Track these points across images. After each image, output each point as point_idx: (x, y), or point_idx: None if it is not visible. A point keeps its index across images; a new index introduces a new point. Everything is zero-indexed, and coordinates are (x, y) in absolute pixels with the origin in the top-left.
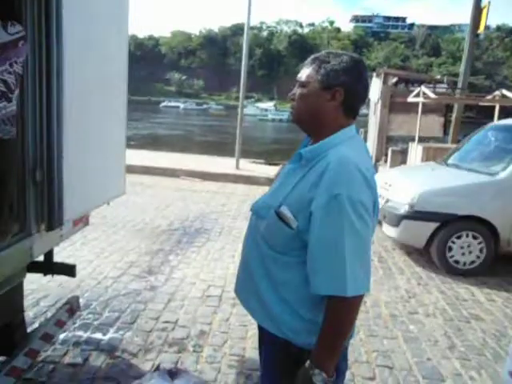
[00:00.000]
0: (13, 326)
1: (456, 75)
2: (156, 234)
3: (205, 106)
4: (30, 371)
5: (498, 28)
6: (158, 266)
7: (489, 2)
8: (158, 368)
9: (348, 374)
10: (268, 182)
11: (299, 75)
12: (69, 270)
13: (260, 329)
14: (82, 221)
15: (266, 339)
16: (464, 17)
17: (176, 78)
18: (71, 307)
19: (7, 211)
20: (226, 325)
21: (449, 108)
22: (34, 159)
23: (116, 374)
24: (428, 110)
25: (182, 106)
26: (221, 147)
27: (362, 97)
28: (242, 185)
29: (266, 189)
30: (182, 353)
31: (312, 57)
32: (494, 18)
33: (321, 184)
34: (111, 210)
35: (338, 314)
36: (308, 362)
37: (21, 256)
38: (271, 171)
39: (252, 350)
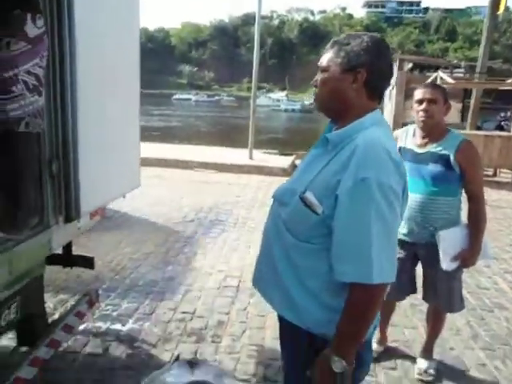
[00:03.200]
0: (34, 318)
1: (473, 59)
2: (171, 226)
3: (216, 98)
4: (52, 360)
5: None
6: (175, 256)
7: None
8: (177, 358)
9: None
10: (282, 172)
11: (320, 61)
12: (87, 262)
13: (281, 320)
14: (99, 213)
15: (287, 330)
16: None
17: (187, 71)
18: (90, 299)
19: (25, 204)
20: (243, 314)
21: (466, 93)
22: (50, 151)
23: (136, 364)
24: None
25: (193, 98)
26: (233, 138)
27: (385, 75)
28: (256, 175)
29: (280, 179)
30: (201, 343)
31: (331, 41)
32: None
33: (348, 168)
34: (127, 202)
35: (362, 302)
36: (327, 349)
37: (40, 249)
38: (285, 161)
39: (271, 340)
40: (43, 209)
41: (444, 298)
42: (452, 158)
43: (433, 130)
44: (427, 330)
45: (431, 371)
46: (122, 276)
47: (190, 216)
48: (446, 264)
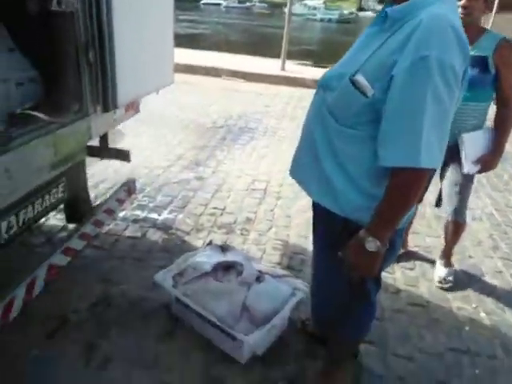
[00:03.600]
0: (80, 199)
1: None
2: (201, 131)
3: (248, 4)
4: (96, 240)
5: None
6: (205, 159)
7: None
8: (210, 243)
9: None
10: (315, 84)
11: None
12: (124, 155)
13: (316, 209)
14: (133, 108)
15: (322, 217)
16: None
17: None
18: (129, 188)
19: (65, 89)
20: (270, 214)
21: None
22: (86, 36)
23: (171, 248)
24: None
25: (223, 3)
26: (264, 48)
27: None
28: (287, 87)
29: (312, 92)
30: (230, 234)
31: None
32: None
33: (408, 45)
34: (157, 106)
35: (404, 186)
36: (363, 230)
37: (81, 135)
38: (318, 73)
39: (296, 237)
40: (82, 96)
41: (455, 203)
42: (490, 59)
43: (469, 29)
44: (445, 240)
45: (450, 278)
46: (155, 173)
47: (219, 122)
48: (468, 167)
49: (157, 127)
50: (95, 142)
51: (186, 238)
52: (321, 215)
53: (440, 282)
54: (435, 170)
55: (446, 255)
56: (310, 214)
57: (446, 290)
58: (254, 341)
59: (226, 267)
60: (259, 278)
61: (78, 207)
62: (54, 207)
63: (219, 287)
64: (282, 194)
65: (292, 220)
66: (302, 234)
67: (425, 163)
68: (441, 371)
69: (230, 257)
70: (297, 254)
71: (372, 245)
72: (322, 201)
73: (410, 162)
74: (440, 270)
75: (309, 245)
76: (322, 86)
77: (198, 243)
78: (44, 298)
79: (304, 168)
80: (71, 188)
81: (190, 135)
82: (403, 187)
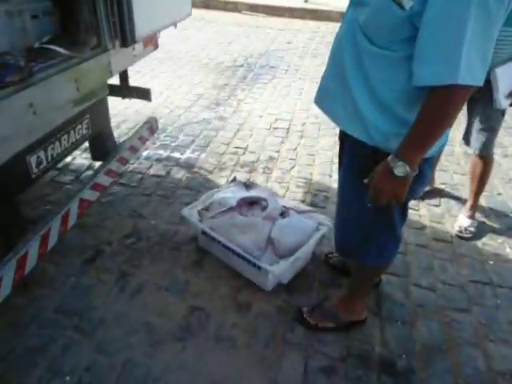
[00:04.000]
0: (104, 136)
1: None
2: (221, 70)
3: None
4: (123, 177)
5: None
6: (226, 99)
7: None
8: (234, 180)
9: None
10: (341, 17)
11: None
12: (144, 93)
13: (343, 139)
14: (152, 43)
15: (350, 148)
16: None
17: None
18: (151, 126)
19: (82, 23)
20: (293, 153)
21: None
22: None
23: (195, 185)
24: None
25: None
26: None
27: None
28: (311, 21)
29: (338, 25)
30: (253, 173)
31: None
32: None
33: None
34: (175, 46)
35: (441, 105)
36: (391, 155)
37: (101, 70)
38: (345, 5)
39: (319, 176)
40: (99, 30)
41: (482, 139)
42: None
43: None
44: (472, 177)
45: (471, 229)
46: (176, 113)
47: (239, 61)
48: (500, 102)
49: (176, 67)
50: (116, 81)
51: (209, 176)
52: (348, 145)
53: (460, 231)
54: (474, 88)
55: (471, 206)
56: (333, 152)
57: (466, 239)
58: (279, 271)
59: (251, 203)
60: (284, 213)
61: (102, 145)
62: (79, 144)
63: (244, 221)
64: (305, 132)
65: (315, 158)
66: (325, 172)
67: (464, 79)
68: (462, 301)
69: (254, 193)
70: (320, 191)
71: (401, 169)
72: (350, 129)
73: (448, 79)
74: (462, 220)
75: (332, 183)
76: (353, 2)
77: (222, 181)
78: (78, 231)
79: (331, 95)
80: (95, 125)
81: (209, 74)
82: (439, 105)
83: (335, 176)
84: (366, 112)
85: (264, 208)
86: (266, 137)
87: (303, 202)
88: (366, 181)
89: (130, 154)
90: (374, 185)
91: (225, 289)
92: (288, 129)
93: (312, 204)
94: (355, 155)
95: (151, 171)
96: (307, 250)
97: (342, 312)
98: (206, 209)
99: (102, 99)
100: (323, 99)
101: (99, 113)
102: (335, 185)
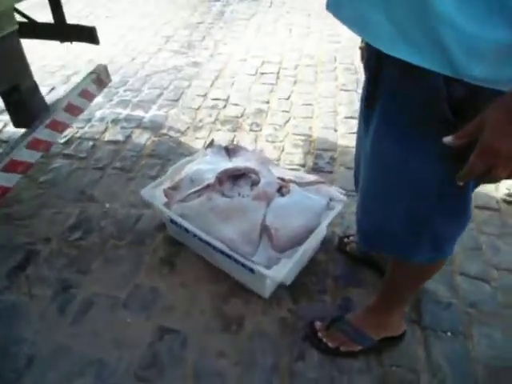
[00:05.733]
0: (23, 93)
1: None
2: (193, 5)
3: None
4: (68, 146)
5: None
6: (200, 40)
7: None
8: (211, 144)
9: None
10: None
11: None
12: (89, 33)
13: (376, 71)
14: None
15: (401, 86)
16: None
17: None
18: (99, 77)
19: None
20: (286, 104)
21: None
22: None
23: (164, 152)
24: None
25: None
26: None
27: None
28: None
29: None
30: (237, 131)
31: None
32: None
33: None
34: None
35: None
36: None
37: None
38: None
39: (320, 130)
40: None
41: None
42: None
43: None
44: None
45: None
46: (140, 61)
47: None
48: None
49: (138, 4)
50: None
51: (182, 138)
52: (393, 82)
53: (510, 194)
54: None
55: None
56: (335, 100)
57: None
58: (281, 275)
59: (235, 176)
60: (282, 188)
61: (23, 105)
62: None
63: (227, 204)
64: (299, 77)
65: (314, 109)
66: (328, 125)
67: None
68: None
69: (238, 161)
70: (324, 151)
71: None
72: (407, 52)
73: None
74: None
75: (339, 139)
76: None
77: (198, 144)
78: (2, 226)
79: None
80: (3, 75)
81: (179, 11)
82: None
83: (341, 129)
84: (448, 12)
85: (254, 183)
86: (252, 84)
87: (303, 167)
88: (449, 139)
89: (69, 116)
90: (487, 146)
91: (206, 298)
92: (278, 74)
93: (315, 169)
94: (412, 98)
95: (106, 136)
96: (317, 237)
97: (371, 328)
98: (175, 187)
99: (9, 36)
100: (343, 2)
101: (9, 57)
102: (343, 141)
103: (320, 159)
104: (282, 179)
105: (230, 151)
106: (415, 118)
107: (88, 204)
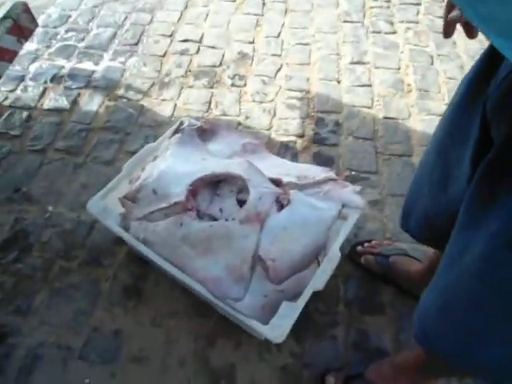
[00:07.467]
0: None
1: None
2: None
3: None
4: None
5: None
6: None
7: None
8: (180, 127)
9: None
10: None
11: None
12: None
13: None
14: None
15: None
16: None
17: None
18: (17, 24)
19: None
20: (276, 43)
21: None
22: None
23: (121, 122)
24: None
25: None
26: None
27: None
28: None
29: None
30: (216, 87)
31: None
32: None
33: None
34: None
35: None
36: None
37: None
38: None
39: (320, 83)
40: None
41: None
42: None
43: None
44: None
45: None
46: None
47: None
48: None
49: None
50: None
51: (145, 102)
52: None
53: None
54: None
55: None
56: (337, 36)
57: None
58: (281, 332)
59: (215, 182)
60: (279, 198)
61: None
62: None
63: (206, 232)
64: (290, 4)
65: (311, 50)
66: (329, 74)
67: None
68: None
69: (216, 148)
70: (327, 113)
71: None
72: None
73: None
74: None
75: (343, 92)
76: None
77: (165, 110)
78: None
79: None
80: None
81: None
82: None
83: (346, 81)
84: None
85: (240, 191)
86: (231, 16)
87: (301, 137)
88: None
89: None
90: None
91: (186, 341)
92: (263, 2)
93: (315, 141)
94: None
95: (45, 103)
96: (327, 271)
97: None
98: (133, 199)
99: None
100: None
101: None
102: (349, 98)
103: (322, 126)
104: (279, 182)
105: (206, 133)
106: None
107: (25, 208)
